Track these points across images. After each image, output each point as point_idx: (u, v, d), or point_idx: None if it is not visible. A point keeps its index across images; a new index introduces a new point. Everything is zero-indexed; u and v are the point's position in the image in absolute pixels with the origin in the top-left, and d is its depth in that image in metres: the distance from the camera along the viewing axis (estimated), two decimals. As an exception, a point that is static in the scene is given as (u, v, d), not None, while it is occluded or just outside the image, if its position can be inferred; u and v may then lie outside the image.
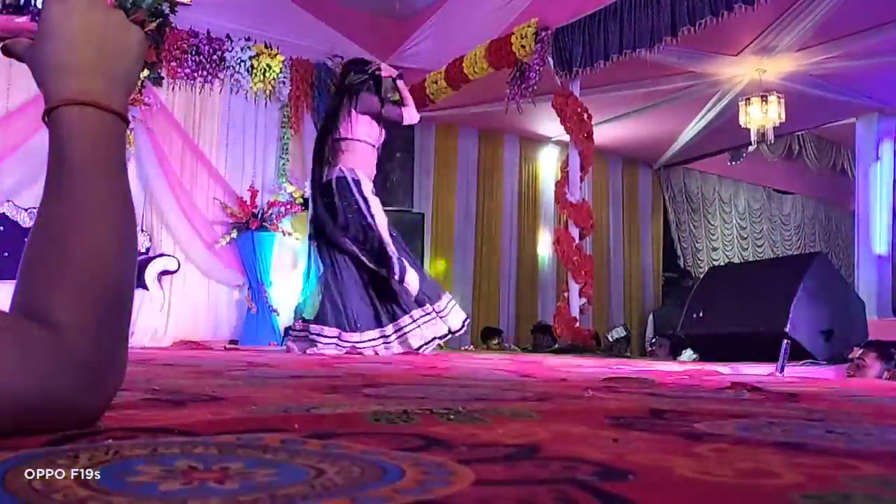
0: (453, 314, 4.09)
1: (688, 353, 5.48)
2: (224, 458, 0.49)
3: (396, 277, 3.91)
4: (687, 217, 10.35)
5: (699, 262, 10.25)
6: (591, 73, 5.86)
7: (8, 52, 0.67)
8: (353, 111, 4.18)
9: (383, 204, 6.46)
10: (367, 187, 4.17)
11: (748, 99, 6.81)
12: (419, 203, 7.68)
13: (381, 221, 4.08)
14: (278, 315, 6.65)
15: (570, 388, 1.38)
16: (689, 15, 4.97)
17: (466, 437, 0.63)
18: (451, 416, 0.77)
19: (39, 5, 0.65)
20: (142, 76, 0.70)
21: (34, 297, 0.59)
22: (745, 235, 11.14)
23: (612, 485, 0.43)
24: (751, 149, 7.77)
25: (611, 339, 7.32)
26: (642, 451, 0.57)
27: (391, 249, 3.98)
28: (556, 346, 6.04)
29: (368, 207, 4.08)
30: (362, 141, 4.20)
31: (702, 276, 6.69)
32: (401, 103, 4.39)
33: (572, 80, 6.06)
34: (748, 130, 6.93)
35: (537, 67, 6.02)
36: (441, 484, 0.43)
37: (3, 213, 5.61)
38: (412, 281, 3.94)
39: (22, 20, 0.69)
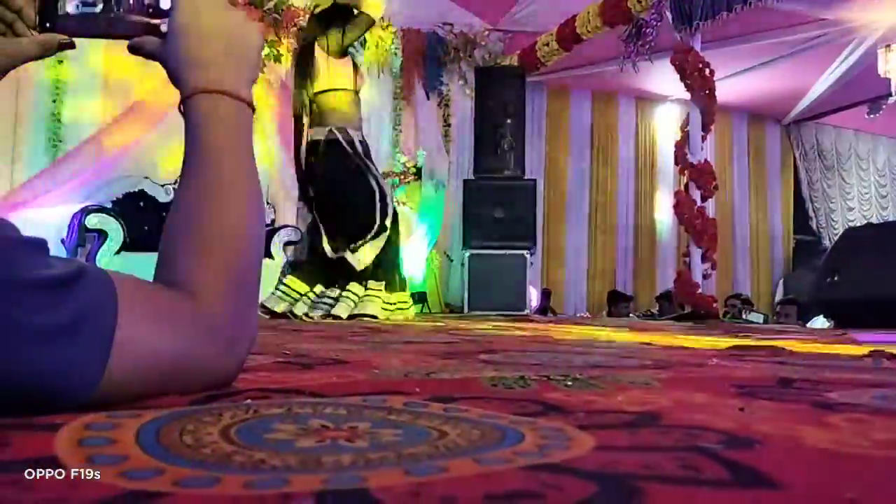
0: None
1: (820, 320, 5.18)
2: (352, 418, 0.51)
3: None
4: (820, 175, 9.71)
5: (833, 223, 9.62)
6: (712, 25, 5.56)
7: (136, 51, 0.72)
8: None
9: (494, 171, 6.49)
10: None
11: (888, 45, 6.30)
12: (531, 169, 7.56)
13: None
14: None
15: (692, 356, 1.34)
16: (822, -43, 4.63)
17: (584, 403, 0.63)
18: (568, 383, 0.77)
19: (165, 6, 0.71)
20: (262, 54, 0.75)
21: (174, 267, 0.64)
22: (885, 194, 10.35)
23: (737, 453, 0.42)
24: (891, 100, 7.19)
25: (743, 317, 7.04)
26: (770, 420, 0.55)
27: None
28: (679, 313, 5.86)
29: None
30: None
31: (836, 238, 6.28)
32: None
33: (692, 35, 5.77)
34: (888, 80, 6.43)
35: (654, 23, 5.77)
36: (561, 448, 0.43)
37: (143, 190, 6.03)
38: None
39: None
